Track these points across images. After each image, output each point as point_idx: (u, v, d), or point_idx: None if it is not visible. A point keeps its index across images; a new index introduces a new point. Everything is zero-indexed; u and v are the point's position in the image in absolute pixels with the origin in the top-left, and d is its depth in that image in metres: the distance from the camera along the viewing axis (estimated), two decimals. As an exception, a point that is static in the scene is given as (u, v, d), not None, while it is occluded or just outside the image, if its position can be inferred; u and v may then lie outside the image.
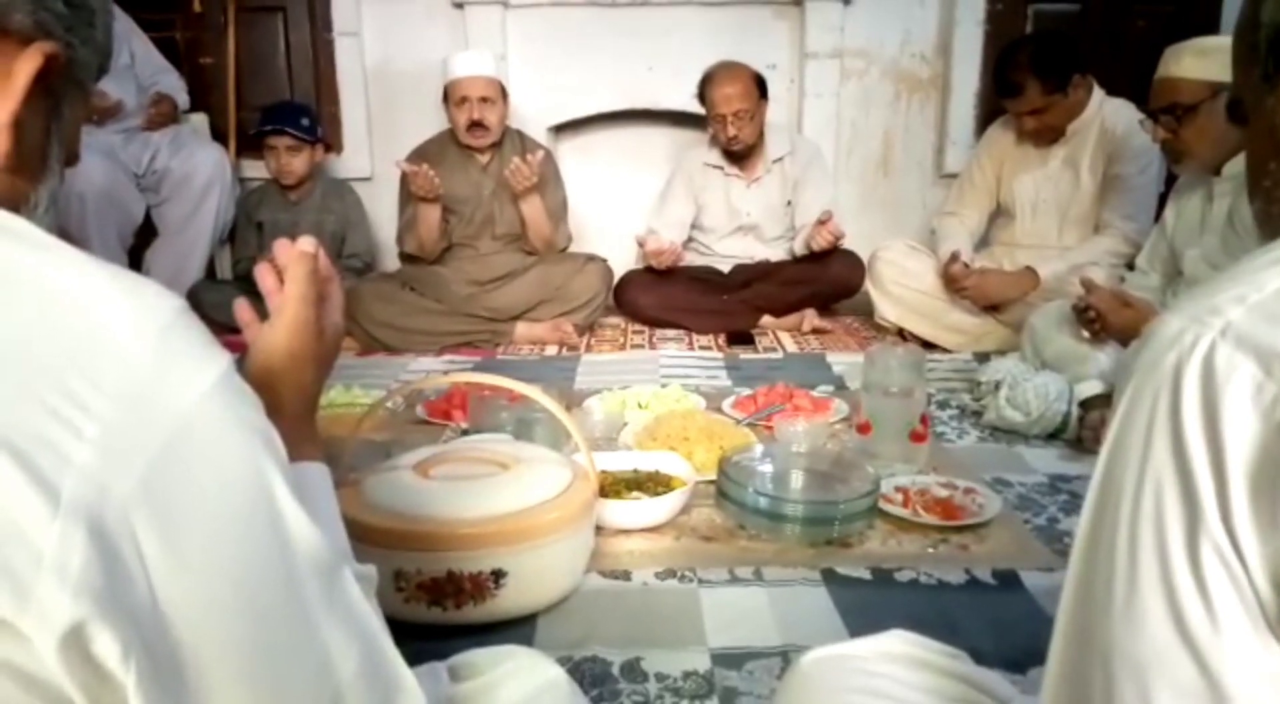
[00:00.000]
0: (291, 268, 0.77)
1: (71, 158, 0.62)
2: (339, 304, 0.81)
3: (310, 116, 3.31)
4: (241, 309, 0.81)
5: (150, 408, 0.44)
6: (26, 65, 0.53)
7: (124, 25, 3.20)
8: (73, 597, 0.39)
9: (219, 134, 3.57)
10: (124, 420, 0.42)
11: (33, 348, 0.42)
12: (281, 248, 0.79)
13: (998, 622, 1.27)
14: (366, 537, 1.20)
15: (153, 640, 0.42)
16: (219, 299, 3.14)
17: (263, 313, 0.80)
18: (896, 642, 0.78)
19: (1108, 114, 2.72)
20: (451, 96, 3.02)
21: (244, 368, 0.75)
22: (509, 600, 1.25)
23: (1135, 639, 0.47)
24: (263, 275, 0.79)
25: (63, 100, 0.58)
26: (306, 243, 0.78)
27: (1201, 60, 1.92)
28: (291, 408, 0.74)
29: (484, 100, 2.99)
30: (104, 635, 0.40)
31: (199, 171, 3.22)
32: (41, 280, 0.45)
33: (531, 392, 1.35)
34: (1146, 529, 0.46)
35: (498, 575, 1.23)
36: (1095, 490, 0.51)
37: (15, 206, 0.56)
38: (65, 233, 0.64)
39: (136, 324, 0.45)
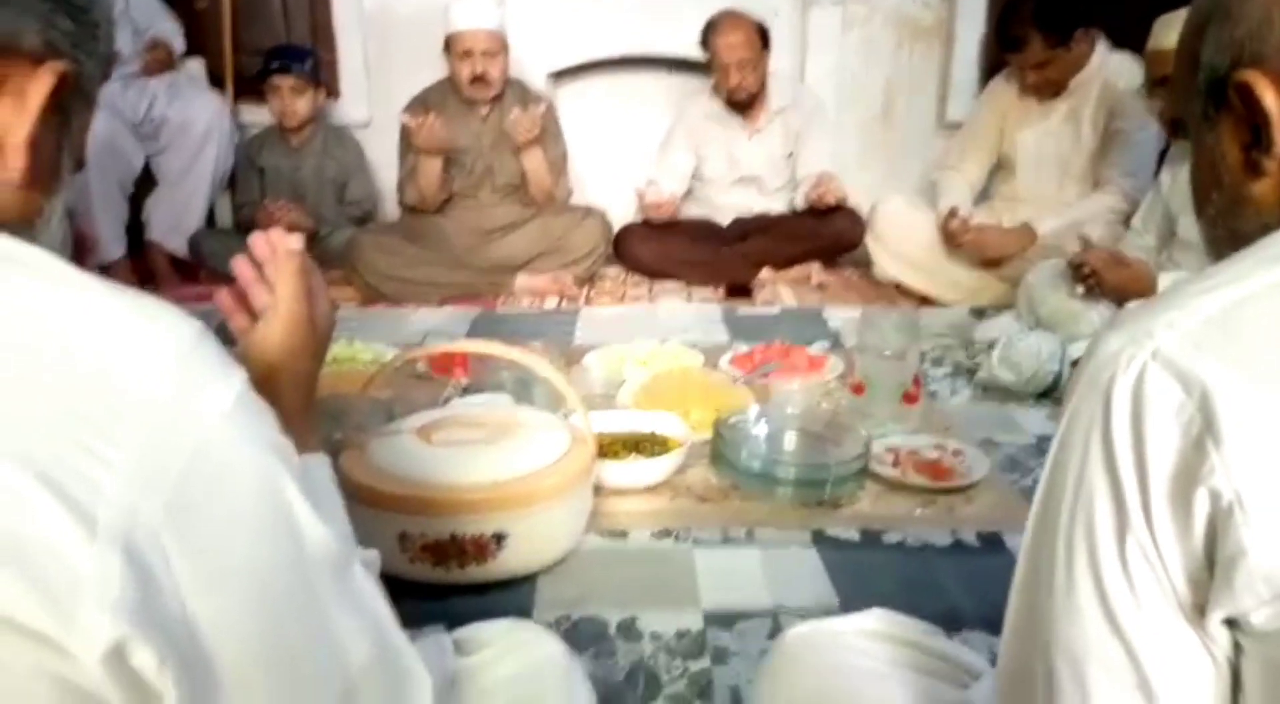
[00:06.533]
0: (281, 267, 0.80)
1: (79, 164, 0.64)
2: (324, 294, 0.84)
3: (314, 58, 3.29)
4: (222, 298, 0.83)
5: (174, 431, 0.46)
6: (40, 86, 0.55)
7: (118, -32, 3.15)
8: (112, 617, 0.42)
9: (215, 79, 3.53)
10: (150, 446, 0.45)
11: (58, 382, 0.45)
12: (258, 242, 0.82)
13: (980, 583, 1.32)
14: (372, 500, 1.25)
15: (183, 648, 0.46)
16: (219, 247, 3.16)
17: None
18: (875, 620, 0.82)
19: (1110, 69, 2.70)
20: (454, 49, 2.99)
21: (239, 356, 0.78)
22: (510, 562, 1.29)
23: (1071, 625, 0.53)
24: (241, 267, 0.82)
25: (72, 113, 0.60)
26: (293, 240, 0.81)
27: None
28: (291, 402, 0.78)
29: (487, 54, 2.97)
30: (142, 650, 0.43)
31: (197, 120, 3.20)
32: (61, 314, 0.47)
33: (532, 361, 1.39)
34: (1081, 526, 0.52)
35: (499, 538, 1.28)
36: (1040, 493, 0.57)
37: (30, 221, 0.58)
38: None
39: (157, 351, 0.48)
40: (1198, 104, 0.61)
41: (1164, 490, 0.49)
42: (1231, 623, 0.49)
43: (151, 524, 0.44)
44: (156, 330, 0.49)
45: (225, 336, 0.83)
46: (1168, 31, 1.98)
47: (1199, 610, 0.50)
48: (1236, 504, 0.47)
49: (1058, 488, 0.54)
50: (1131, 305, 1.97)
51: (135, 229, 3.28)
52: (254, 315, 0.82)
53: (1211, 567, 0.49)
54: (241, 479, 0.50)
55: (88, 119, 0.63)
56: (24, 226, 0.57)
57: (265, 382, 0.76)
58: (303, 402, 0.80)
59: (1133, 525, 0.50)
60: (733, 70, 3.07)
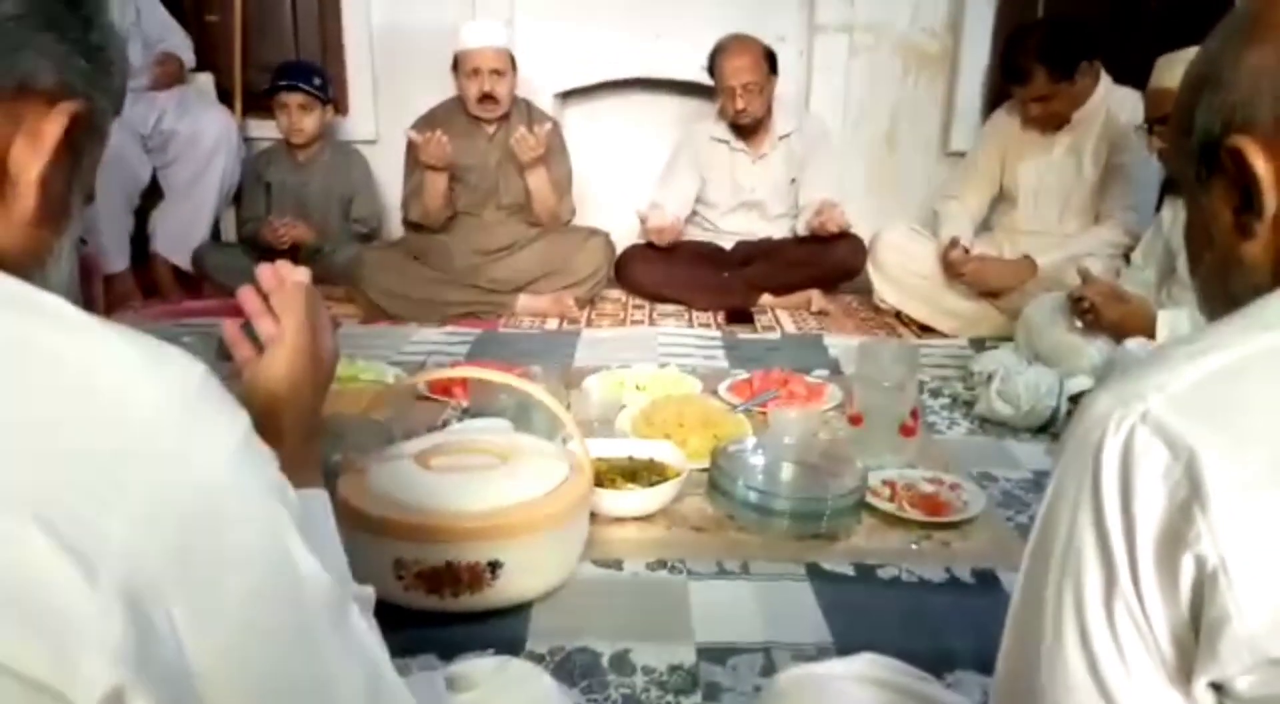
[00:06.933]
0: (288, 299, 0.80)
1: (89, 198, 0.65)
2: (329, 329, 0.85)
3: (322, 76, 3.32)
4: (229, 328, 0.84)
5: (178, 478, 0.47)
6: (54, 126, 0.55)
7: (130, -19, 3.18)
8: (112, 664, 0.43)
9: (224, 94, 3.56)
10: (155, 492, 0.46)
11: (65, 429, 0.45)
12: (265, 273, 0.83)
13: (974, 622, 1.31)
14: (369, 526, 1.25)
15: (180, 695, 0.46)
16: (224, 261, 3.18)
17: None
18: (868, 664, 0.83)
19: (1113, 103, 2.72)
20: (462, 67, 3.02)
21: (239, 386, 0.79)
22: (504, 590, 1.29)
23: (1059, 684, 0.53)
24: (247, 298, 0.83)
25: (84, 151, 0.60)
26: (301, 273, 0.81)
27: None
28: (293, 434, 0.78)
29: (495, 72, 3.00)
30: (140, 698, 0.43)
31: (205, 134, 3.23)
32: (68, 358, 0.47)
33: (531, 388, 1.39)
34: (1069, 586, 0.53)
35: (494, 566, 1.28)
36: (1030, 548, 0.57)
37: (41, 259, 0.58)
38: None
39: (162, 399, 0.48)
40: (1191, 166, 0.62)
41: (1151, 554, 0.50)
42: (1217, 687, 0.50)
43: (153, 570, 0.45)
44: (162, 376, 0.49)
45: (229, 352, 0.84)
46: (1169, 71, 2.00)
47: (1185, 675, 0.50)
48: (1221, 570, 0.47)
49: (1048, 543, 0.55)
50: (1129, 343, 1.99)
51: (140, 241, 3.30)
52: (259, 347, 0.83)
53: (1197, 631, 0.49)
54: (243, 525, 0.50)
55: (99, 155, 0.64)
56: (35, 264, 0.58)
57: (268, 414, 0.77)
58: (305, 434, 0.81)
59: (1120, 587, 0.51)
60: (738, 95, 3.09)
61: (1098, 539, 0.51)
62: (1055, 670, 0.53)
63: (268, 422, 0.75)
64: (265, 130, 3.51)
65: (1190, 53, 2.11)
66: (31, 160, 0.55)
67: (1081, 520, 0.52)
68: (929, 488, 1.69)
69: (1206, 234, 0.63)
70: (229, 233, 3.57)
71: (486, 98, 3.02)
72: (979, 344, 2.73)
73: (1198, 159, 0.61)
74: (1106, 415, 0.52)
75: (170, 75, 3.27)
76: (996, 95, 3.38)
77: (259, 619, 0.50)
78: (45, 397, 0.46)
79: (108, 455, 0.46)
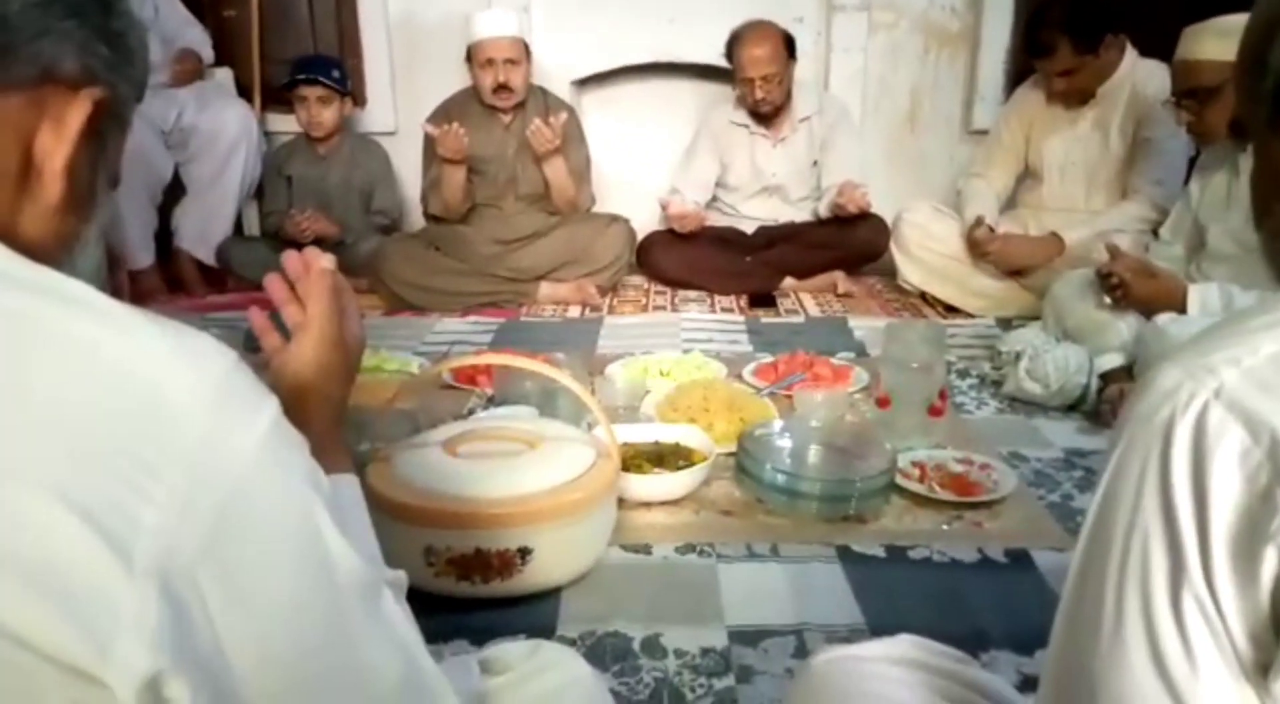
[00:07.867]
0: (313, 286, 0.80)
1: (114, 182, 0.65)
2: (355, 315, 0.84)
3: (340, 69, 3.32)
4: (256, 316, 0.84)
5: (210, 466, 0.47)
6: (78, 113, 0.55)
7: (148, -23, 3.19)
8: (150, 651, 0.43)
9: (243, 88, 3.57)
10: (187, 481, 0.46)
11: (99, 416, 0.45)
12: (291, 260, 0.83)
13: (1007, 602, 1.31)
14: (398, 514, 1.25)
15: (216, 681, 0.46)
16: (248, 255, 3.20)
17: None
18: (905, 646, 0.81)
19: (1139, 76, 2.67)
20: (476, 58, 3.01)
21: (267, 375, 0.79)
22: (534, 576, 1.29)
23: (1119, 679, 0.49)
24: (273, 286, 0.83)
25: (108, 138, 0.60)
26: (326, 260, 0.81)
27: (1223, 41, 1.87)
28: (321, 421, 0.78)
29: (509, 62, 2.98)
30: (177, 683, 0.44)
31: (226, 129, 3.24)
32: (99, 346, 0.47)
33: (556, 374, 1.39)
34: (1133, 576, 0.49)
35: (523, 552, 1.28)
36: (1087, 533, 0.53)
37: (69, 246, 0.58)
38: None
39: (193, 386, 0.48)
40: (1263, 110, 0.57)
41: (1226, 544, 0.46)
42: None
43: (186, 556, 0.45)
44: (193, 364, 0.49)
45: (255, 343, 0.85)
46: (1196, 42, 1.96)
47: (1262, 670, 0.46)
48: None
49: (1107, 529, 0.51)
50: (1160, 319, 1.95)
51: (164, 237, 3.32)
52: (287, 335, 0.82)
53: (1278, 627, 0.46)
54: (276, 511, 0.50)
55: (122, 141, 0.64)
56: (63, 252, 0.58)
57: (296, 401, 0.76)
58: (333, 421, 0.80)
59: (1190, 578, 0.47)
60: (757, 84, 3.07)
61: (1165, 526, 0.47)
62: (1115, 661, 0.49)
63: (296, 407, 0.74)
64: (285, 124, 3.52)
65: (1219, 22, 2.05)
66: (57, 148, 0.55)
67: (1147, 506, 0.48)
68: (959, 468, 1.67)
69: (1276, 184, 0.58)
70: (251, 227, 3.59)
71: (501, 88, 3.01)
72: (1006, 323, 2.70)
73: (1271, 103, 0.56)
74: (1174, 390, 0.48)
75: (189, 72, 3.29)
76: (1019, 73, 3.34)
77: (292, 603, 0.50)
78: (78, 383, 0.46)
79: (140, 442, 0.45)
